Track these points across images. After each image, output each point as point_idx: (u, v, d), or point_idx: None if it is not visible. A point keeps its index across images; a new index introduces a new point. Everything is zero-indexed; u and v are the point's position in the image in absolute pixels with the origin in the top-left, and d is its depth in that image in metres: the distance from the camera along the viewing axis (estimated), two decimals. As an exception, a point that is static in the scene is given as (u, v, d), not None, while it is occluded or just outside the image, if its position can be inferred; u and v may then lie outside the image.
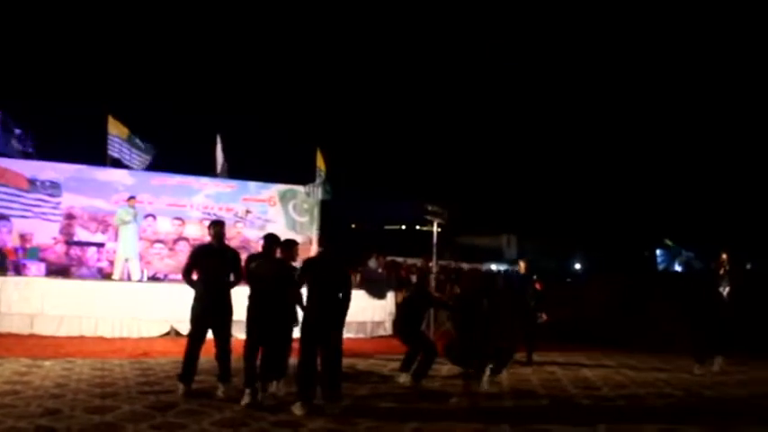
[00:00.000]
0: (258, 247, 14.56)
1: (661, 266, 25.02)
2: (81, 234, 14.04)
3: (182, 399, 6.59)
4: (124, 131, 14.60)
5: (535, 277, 10.84)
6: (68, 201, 13.99)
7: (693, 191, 31.00)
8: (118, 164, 14.58)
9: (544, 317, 10.47)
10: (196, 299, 6.90)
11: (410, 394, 7.50)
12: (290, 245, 7.17)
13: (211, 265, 6.94)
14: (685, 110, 32.11)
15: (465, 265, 21.78)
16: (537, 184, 33.47)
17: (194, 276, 6.98)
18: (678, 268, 25.65)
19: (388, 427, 5.81)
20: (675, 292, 13.72)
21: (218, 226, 7.23)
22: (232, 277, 7.05)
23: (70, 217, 13.99)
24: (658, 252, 28.04)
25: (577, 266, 28.54)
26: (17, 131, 13.76)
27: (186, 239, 14.40)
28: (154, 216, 14.43)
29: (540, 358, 10.34)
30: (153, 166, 15.15)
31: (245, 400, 6.37)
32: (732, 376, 9.30)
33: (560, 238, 29.38)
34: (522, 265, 10.82)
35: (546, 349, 11.13)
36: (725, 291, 9.47)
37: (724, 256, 9.75)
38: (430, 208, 13.13)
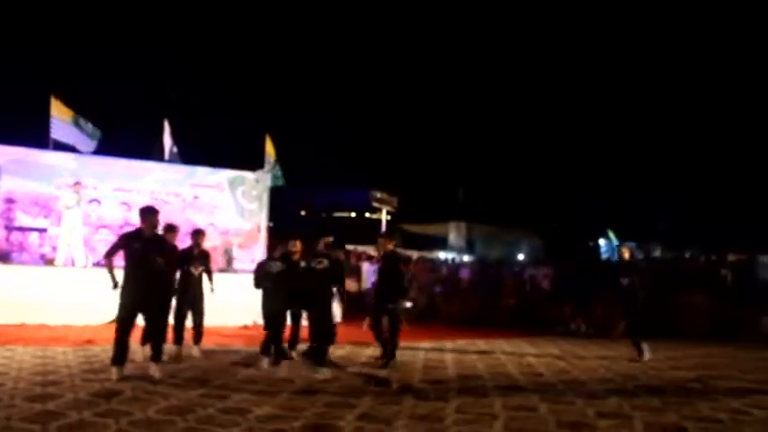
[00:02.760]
0: (207, 233, 14.51)
1: (604, 257, 25.60)
2: (22, 219, 13.64)
3: (127, 386, 6.55)
4: (68, 113, 14.20)
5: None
6: (8, 184, 13.55)
7: (638, 184, 31.92)
8: (61, 147, 14.19)
9: None
10: (125, 285, 7.05)
11: (358, 379, 7.60)
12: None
13: (140, 252, 7.07)
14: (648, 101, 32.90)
15: (414, 254, 21.96)
16: (484, 171, 33.84)
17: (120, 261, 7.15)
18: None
19: (334, 413, 5.88)
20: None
21: (152, 214, 7.31)
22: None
23: (10, 201, 13.57)
24: (602, 242, 28.76)
25: (521, 257, 29.01)
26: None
27: (132, 225, 14.12)
28: (99, 201, 14.12)
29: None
30: (99, 151, 14.78)
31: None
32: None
33: (507, 226, 29.80)
34: (625, 253, 10.80)
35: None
36: (625, 282, 10.01)
37: (625, 252, 10.75)
38: (378, 195, 13.23)
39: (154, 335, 7.38)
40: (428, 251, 24.30)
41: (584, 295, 14.35)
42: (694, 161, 31.30)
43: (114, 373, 6.91)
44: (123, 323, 7.02)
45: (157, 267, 7.16)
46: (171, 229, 8.44)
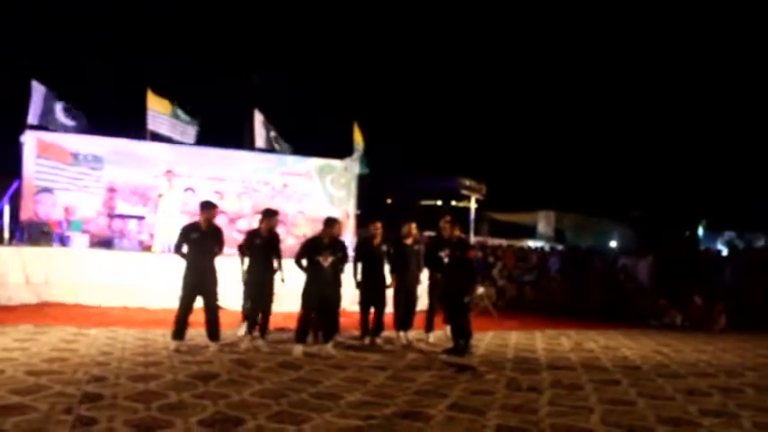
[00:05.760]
0: (297, 221, 14.74)
1: (704, 246, 24.51)
2: (122, 207, 14.26)
3: (223, 369, 6.72)
4: (166, 105, 14.72)
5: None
6: (110, 174, 14.20)
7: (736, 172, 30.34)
8: (159, 138, 14.72)
9: None
10: (185, 272, 7.99)
11: (446, 367, 7.53)
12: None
13: (197, 242, 7.94)
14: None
15: (503, 242, 21.64)
16: (575, 160, 32.98)
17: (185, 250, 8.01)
18: (721, 248, 25.14)
19: (425, 401, 5.84)
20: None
21: (209, 207, 8.16)
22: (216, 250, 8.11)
23: (112, 190, 14.20)
24: (701, 231, 27.62)
25: (613, 244, 28.08)
26: (61, 105, 13.95)
27: (225, 213, 14.51)
28: (193, 189, 14.57)
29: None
30: (196, 140, 15.25)
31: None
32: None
33: (596, 216, 28.94)
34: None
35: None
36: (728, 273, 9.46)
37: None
38: (467, 183, 13.06)
39: (211, 317, 7.99)
40: (516, 240, 23.92)
41: (681, 287, 13.76)
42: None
43: (172, 345, 7.76)
44: (183, 305, 7.89)
45: (212, 256, 8.00)
46: (270, 213, 8.51)
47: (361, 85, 31.93)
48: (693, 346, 10.21)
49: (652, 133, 33.05)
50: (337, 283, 8.39)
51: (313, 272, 8.04)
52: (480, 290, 8.99)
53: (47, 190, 13.65)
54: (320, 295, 8.03)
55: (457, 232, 8.85)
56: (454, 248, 8.64)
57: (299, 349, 7.88)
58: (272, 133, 15.73)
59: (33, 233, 12.06)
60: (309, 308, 8.08)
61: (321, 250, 8.04)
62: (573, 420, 5.39)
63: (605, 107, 33.26)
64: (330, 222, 8.23)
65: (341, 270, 8.42)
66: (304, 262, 8.12)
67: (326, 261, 7.99)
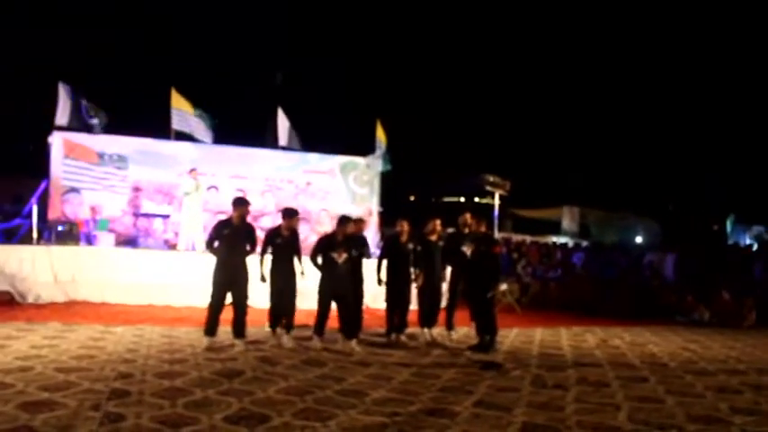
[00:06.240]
0: (319, 218, 14.76)
1: (731, 240, 24.09)
2: (147, 206, 14.39)
3: (247, 366, 6.76)
4: (188, 105, 14.83)
5: None
6: (135, 174, 14.34)
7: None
8: (182, 137, 14.84)
9: None
10: (216, 268, 7.96)
11: (471, 364, 7.50)
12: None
13: (229, 238, 7.93)
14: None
15: (527, 238, 21.50)
16: (598, 155, 32.61)
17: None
18: (749, 242, 24.74)
19: (450, 398, 5.81)
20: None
21: (241, 204, 8.12)
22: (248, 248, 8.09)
23: (137, 189, 14.35)
24: (729, 226, 27.15)
25: (639, 239, 27.70)
26: (86, 106, 14.10)
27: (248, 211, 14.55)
28: (216, 188, 14.68)
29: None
30: (216, 140, 15.34)
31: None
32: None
33: (622, 211, 28.60)
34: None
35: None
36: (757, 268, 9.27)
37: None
38: (491, 179, 12.97)
39: (238, 314, 7.97)
40: (540, 236, 23.72)
41: (709, 282, 13.56)
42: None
43: (205, 341, 7.76)
44: (214, 301, 7.87)
45: (244, 253, 8.00)
46: (291, 213, 8.52)
47: (384, 82, 31.85)
48: (722, 343, 10.07)
49: (678, 127, 32.57)
50: (356, 280, 8.53)
51: (327, 268, 8.17)
52: (503, 286, 8.84)
53: (74, 190, 13.82)
54: (335, 291, 8.15)
55: (482, 228, 8.83)
56: (480, 243, 8.61)
57: (317, 342, 8.10)
58: (293, 132, 15.80)
59: (60, 233, 12.20)
60: (325, 303, 8.23)
61: (335, 247, 8.16)
62: (600, 418, 5.33)
63: (630, 102, 32.85)
64: (343, 220, 8.38)
65: (359, 266, 8.62)
66: (319, 259, 8.23)
67: (340, 258, 8.11)
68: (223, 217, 9.05)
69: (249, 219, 8.50)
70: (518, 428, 5.00)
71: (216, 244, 7.99)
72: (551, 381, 6.69)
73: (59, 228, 12.21)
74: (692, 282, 14.04)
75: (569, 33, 33.65)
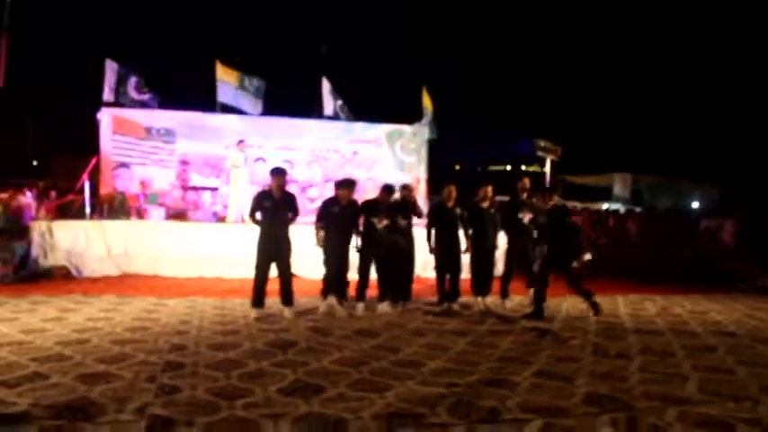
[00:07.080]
0: (367, 188, 14.62)
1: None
2: (195, 179, 14.47)
3: (301, 337, 6.69)
4: (234, 76, 14.76)
5: None
6: (183, 147, 14.40)
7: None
8: (228, 110, 14.80)
9: None
10: (260, 239, 7.93)
11: (528, 333, 7.30)
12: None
13: (270, 209, 7.87)
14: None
15: (578, 205, 21.01)
16: (649, 120, 31.69)
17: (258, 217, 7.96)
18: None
19: (509, 368, 5.64)
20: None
21: (279, 174, 8.03)
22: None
23: (185, 163, 14.42)
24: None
25: (695, 205, 26.87)
26: (133, 81, 14.16)
27: (296, 182, 14.51)
28: (264, 159, 14.64)
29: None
30: (263, 111, 15.26)
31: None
32: None
33: (676, 176, 27.77)
34: None
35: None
36: None
37: None
38: (543, 144, 12.62)
39: (284, 284, 7.96)
40: (591, 203, 23.21)
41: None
42: None
43: (253, 313, 7.80)
44: (259, 273, 7.89)
45: (286, 223, 7.96)
46: (350, 183, 8.40)
47: (431, 48, 31.41)
48: (790, 310, 9.63)
49: (734, 92, 31.34)
50: (405, 247, 8.59)
51: (367, 233, 8.28)
52: (587, 255, 8.58)
53: (124, 165, 13.95)
54: (375, 255, 8.32)
55: (555, 199, 8.58)
56: (552, 217, 8.37)
57: (360, 306, 8.32)
58: (339, 102, 15.59)
59: (111, 208, 12.34)
60: (365, 268, 8.40)
61: (377, 213, 8.29)
62: (667, 389, 5.09)
63: (686, 68, 31.74)
64: (386, 189, 8.54)
65: (409, 234, 8.73)
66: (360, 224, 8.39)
67: (380, 223, 8.24)
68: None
69: (298, 189, 8.41)
70: (581, 399, 4.80)
71: (258, 215, 7.96)
72: (613, 350, 6.45)
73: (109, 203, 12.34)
74: (755, 249, 13.46)
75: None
